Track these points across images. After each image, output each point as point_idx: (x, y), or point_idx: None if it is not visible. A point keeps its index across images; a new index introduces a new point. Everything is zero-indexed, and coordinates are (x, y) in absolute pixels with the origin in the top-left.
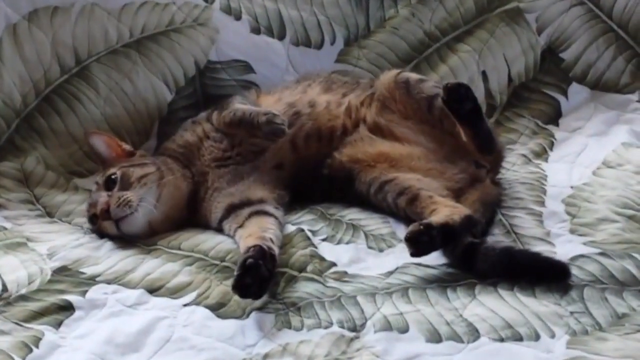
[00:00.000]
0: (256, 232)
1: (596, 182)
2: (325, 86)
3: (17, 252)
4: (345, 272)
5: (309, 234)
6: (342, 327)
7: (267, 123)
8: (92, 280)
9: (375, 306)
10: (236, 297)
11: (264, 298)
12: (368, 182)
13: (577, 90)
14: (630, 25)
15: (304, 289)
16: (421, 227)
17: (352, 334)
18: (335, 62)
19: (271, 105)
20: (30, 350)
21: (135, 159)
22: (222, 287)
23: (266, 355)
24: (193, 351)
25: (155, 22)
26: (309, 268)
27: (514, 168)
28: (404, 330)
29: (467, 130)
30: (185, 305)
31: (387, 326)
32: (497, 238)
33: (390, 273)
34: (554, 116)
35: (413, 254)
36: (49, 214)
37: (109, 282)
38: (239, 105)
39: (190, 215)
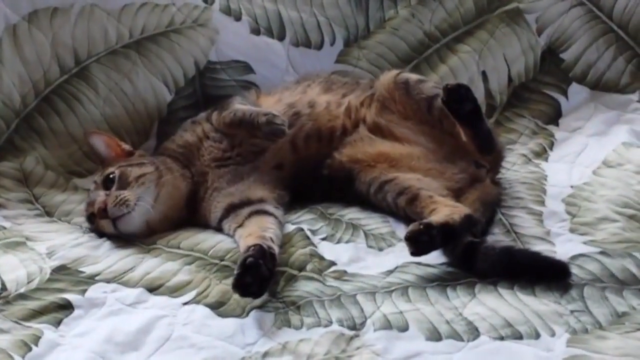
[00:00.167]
0: (256, 232)
1: (596, 182)
2: (325, 87)
3: (16, 251)
4: (345, 271)
5: (309, 233)
6: (342, 325)
7: (267, 123)
8: (92, 279)
9: (375, 305)
10: (236, 296)
11: (264, 297)
12: (368, 182)
13: (577, 91)
14: (630, 26)
15: (303, 287)
16: (421, 226)
17: (352, 333)
18: (335, 63)
19: (271, 106)
20: (30, 349)
21: (134, 158)
22: (221, 286)
23: (266, 354)
24: (193, 350)
25: (155, 22)
26: (309, 267)
27: (514, 168)
28: (404, 328)
29: (467, 131)
30: (184, 304)
31: (387, 325)
32: (497, 237)
33: (390, 272)
34: (554, 116)
35: (413, 254)
36: (48, 213)
37: (108, 281)
38: (239, 105)
39: (189, 215)
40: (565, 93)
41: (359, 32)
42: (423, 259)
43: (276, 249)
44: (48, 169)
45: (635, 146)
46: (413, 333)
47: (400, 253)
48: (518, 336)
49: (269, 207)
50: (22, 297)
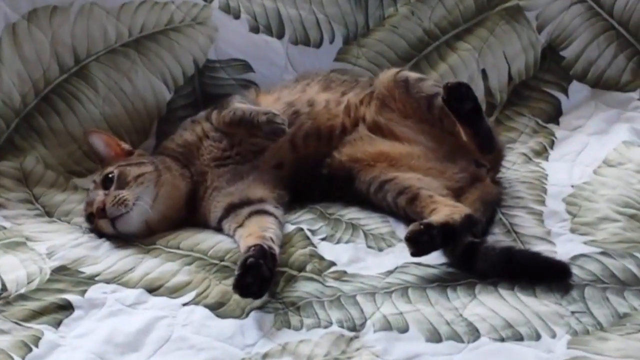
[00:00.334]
0: (256, 232)
1: (597, 181)
2: (324, 85)
3: (16, 252)
4: (345, 272)
5: (308, 233)
6: (342, 326)
7: (268, 122)
8: (91, 279)
9: (374, 306)
10: (236, 297)
11: (264, 298)
12: (368, 181)
13: (577, 89)
14: (631, 23)
15: (303, 288)
16: (421, 226)
17: (352, 334)
18: (334, 61)
19: (270, 105)
20: (30, 350)
21: (133, 158)
22: (221, 287)
23: (265, 355)
24: (192, 351)
25: (154, 21)
26: (309, 267)
27: (514, 167)
28: (404, 330)
29: (467, 130)
30: (184, 304)
31: (387, 326)
32: (497, 237)
33: (390, 272)
34: (555, 115)
35: (413, 254)
36: (48, 213)
37: (108, 281)
38: (239, 104)
39: (189, 214)
40: (565, 91)
41: (359, 30)
42: (423, 259)
43: (276, 249)
44: (48, 169)
45: (636, 145)
46: (413, 334)
47: (400, 253)
48: (519, 337)
49: (269, 207)
50: (22, 297)
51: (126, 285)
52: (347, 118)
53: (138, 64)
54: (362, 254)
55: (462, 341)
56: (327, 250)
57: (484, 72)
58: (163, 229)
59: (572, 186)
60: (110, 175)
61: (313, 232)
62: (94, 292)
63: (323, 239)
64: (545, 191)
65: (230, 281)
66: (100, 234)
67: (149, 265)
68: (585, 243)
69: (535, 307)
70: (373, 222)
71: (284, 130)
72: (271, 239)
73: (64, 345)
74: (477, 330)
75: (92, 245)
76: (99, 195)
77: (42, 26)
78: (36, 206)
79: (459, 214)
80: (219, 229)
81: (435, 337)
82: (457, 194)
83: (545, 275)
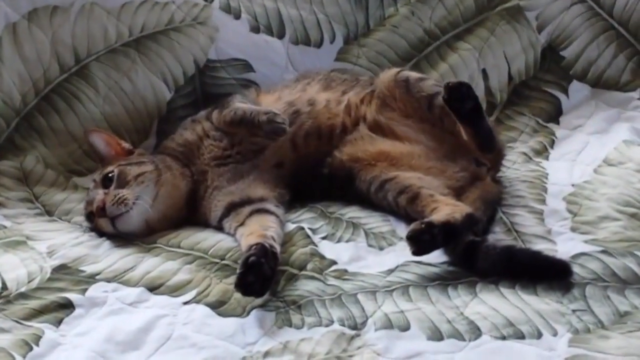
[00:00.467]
0: (257, 231)
1: (597, 180)
2: (325, 84)
3: (16, 251)
4: (346, 270)
5: (309, 232)
6: (343, 325)
7: (268, 122)
8: (92, 278)
9: (376, 304)
10: (237, 295)
11: (265, 296)
12: (368, 180)
13: (577, 88)
14: (630, 23)
15: (304, 287)
16: (423, 225)
17: (353, 332)
18: (334, 61)
19: (271, 104)
20: (31, 348)
21: (133, 157)
22: (222, 285)
23: (267, 353)
24: (193, 349)
25: (155, 21)
26: (309, 266)
27: (515, 166)
28: (405, 328)
29: (468, 129)
30: (185, 303)
31: (388, 324)
32: (498, 236)
33: (391, 271)
34: (555, 114)
35: (414, 253)
36: (49, 212)
37: (108, 280)
38: (239, 104)
39: (189, 214)
40: (565, 91)
41: (359, 30)
42: (424, 258)
43: (278, 248)
44: (48, 168)
45: (636, 144)
46: (414, 332)
47: (400, 252)
48: (520, 336)
49: (270, 206)
50: (23, 296)
51: (127, 284)
52: (348, 117)
53: (138, 63)
54: (363, 252)
55: (463, 339)
56: (327, 249)
57: (484, 72)
58: (163, 228)
59: (573, 185)
60: (110, 175)
61: (314, 231)
62: (94, 290)
63: (324, 238)
64: (545, 190)
65: (231, 280)
66: (100, 232)
67: (150, 264)
68: (586, 242)
69: (537, 305)
70: (374, 220)
71: (284, 130)
72: (272, 237)
73: (64, 343)
74: (479, 329)
75: (93, 244)
76: (99, 194)
77: (43, 26)
78: (36, 205)
79: (460, 213)
80: (219, 228)
81: (436, 335)
82: (458, 193)
83: (546, 274)
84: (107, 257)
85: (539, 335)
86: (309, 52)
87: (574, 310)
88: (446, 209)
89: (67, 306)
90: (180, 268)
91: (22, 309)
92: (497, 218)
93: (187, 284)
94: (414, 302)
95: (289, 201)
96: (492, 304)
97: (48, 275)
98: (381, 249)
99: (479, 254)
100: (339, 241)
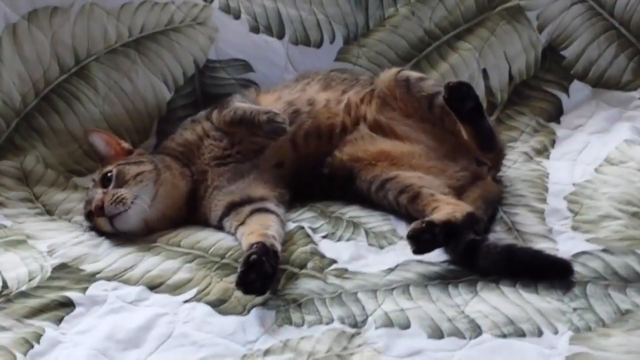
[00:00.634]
0: (258, 230)
1: (598, 180)
2: (324, 84)
3: (17, 250)
4: (346, 269)
5: (309, 231)
6: (343, 323)
7: (269, 122)
8: (92, 277)
9: (376, 302)
10: (237, 294)
11: (265, 295)
12: (369, 180)
13: (578, 88)
14: (631, 23)
15: (304, 285)
16: (423, 224)
17: (353, 330)
18: (334, 61)
19: (270, 104)
20: (32, 346)
21: (132, 157)
22: (222, 284)
23: (267, 351)
24: (194, 347)
25: (154, 21)
26: (310, 265)
27: (515, 165)
28: (406, 326)
29: (469, 129)
30: (185, 301)
31: (389, 322)
32: (498, 235)
33: (391, 270)
34: (556, 114)
35: (415, 252)
36: (49, 212)
37: (109, 279)
38: (240, 104)
39: (189, 213)
40: (566, 90)
41: (359, 30)
42: (424, 257)
43: (279, 247)
44: (48, 168)
45: (637, 143)
46: (415, 330)
47: (401, 251)
48: (520, 334)
49: (271, 205)
50: (24, 295)
51: (127, 282)
52: (348, 117)
53: (138, 64)
54: (363, 251)
55: (463, 337)
56: (328, 248)
57: (484, 72)
58: (163, 228)
59: (574, 184)
60: (109, 174)
61: (314, 230)
62: (95, 289)
63: (324, 237)
64: (546, 189)
65: (231, 278)
66: (100, 232)
67: (150, 262)
68: (587, 241)
69: (537, 303)
70: (374, 220)
71: (284, 130)
72: (273, 236)
73: (65, 342)
74: (479, 327)
75: (93, 244)
76: (98, 193)
77: (43, 26)
78: (36, 205)
79: (461, 212)
80: (219, 228)
81: (437, 333)
82: (459, 192)
83: (546, 273)
84: (107, 256)
85: (540, 333)
86: (308, 53)
87: (575, 309)
88: (447, 208)
89: (68, 305)
90: (180, 267)
91: (22, 307)
92: (498, 217)
93: (187, 283)
94: (414, 300)
95: (289, 201)
96: (493, 302)
97: (48, 274)
98: (381, 248)
99: (479, 252)
100: (339, 240)
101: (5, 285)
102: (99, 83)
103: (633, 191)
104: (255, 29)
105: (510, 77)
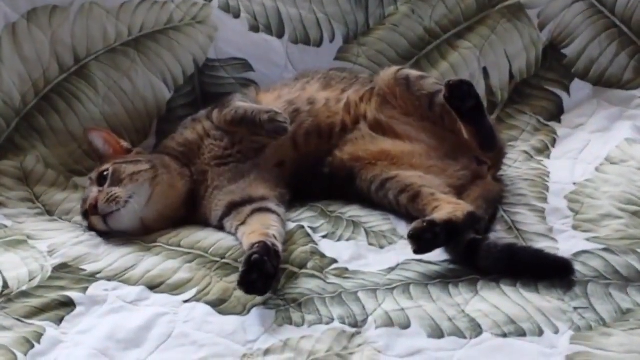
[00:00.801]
0: (259, 229)
1: (599, 179)
2: (324, 83)
3: (17, 250)
4: (346, 269)
5: (310, 231)
6: (344, 322)
7: (270, 121)
8: (93, 277)
9: (376, 302)
10: (237, 293)
11: (265, 294)
12: (369, 179)
13: (579, 87)
14: (633, 21)
15: (304, 285)
16: (424, 224)
17: (354, 330)
18: (334, 60)
19: (271, 103)
20: (32, 346)
21: (130, 156)
22: (222, 284)
23: (267, 351)
24: (194, 347)
25: (154, 20)
26: (310, 265)
27: (516, 165)
28: (406, 326)
29: (469, 128)
30: (185, 301)
31: (389, 322)
32: (499, 234)
33: (392, 269)
34: (556, 113)
35: (416, 251)
36: (49, 212)
37: (109, 279)
38: (240, 103)
39: (188, 213)
40: (567, 89)
41: (359, 29)
42: (425, 256)
43: (280, 247)
44: (48, 168)
45: (638, 142)
46: (415, 330)
47: (401, 250)
48: (521, 333)
49: (271, 205)
50: (24, 294)
51: (127, 282)
52: (347, 115)
53: (138, 63)
54: (364, 251)
55: (464, 337)
56: (328, 247)
57: (485, 71)
58: (160, 228)
59: (574, 183)
60: (105, 173)
61: (314, 229)
62: (95, 289)
63: (324, 237)
64: (547, 188)
65: (232, 278)
66: (96, 231)
67: (150, 262)
68: (587, 240)
69: (538, 303)
70: (374, 219)
71: (286, 129)
72: (274, 236)
73: (65, 341)
74: (480, 326)
75: (93, 243)
76: (93, 192)
77: (42, 26)
78: (37, 205)
79: (462, 212)
80: (220, 228)
81: (437, 333)
82: (459, 191)
83: (547, 272)
84: (107, 256)
85: (541, 332)
86: (308, 51)
87: (575, 308)
88: (448, 207)
89: (68, 304)
90: (180, 267)
91: (23, 307)
92: (499, 216)
93: (187, 283)
94: (414, 300)
95: (290, 201)
96: (494, 301)
97: (49, 274)
98: (382, 247)
99: (480, 252)
100: (339, 240)
101: (5, 285)
102: (99, 82)
103: (634, 190)
104: (254, 28)
105: (511, 76)
